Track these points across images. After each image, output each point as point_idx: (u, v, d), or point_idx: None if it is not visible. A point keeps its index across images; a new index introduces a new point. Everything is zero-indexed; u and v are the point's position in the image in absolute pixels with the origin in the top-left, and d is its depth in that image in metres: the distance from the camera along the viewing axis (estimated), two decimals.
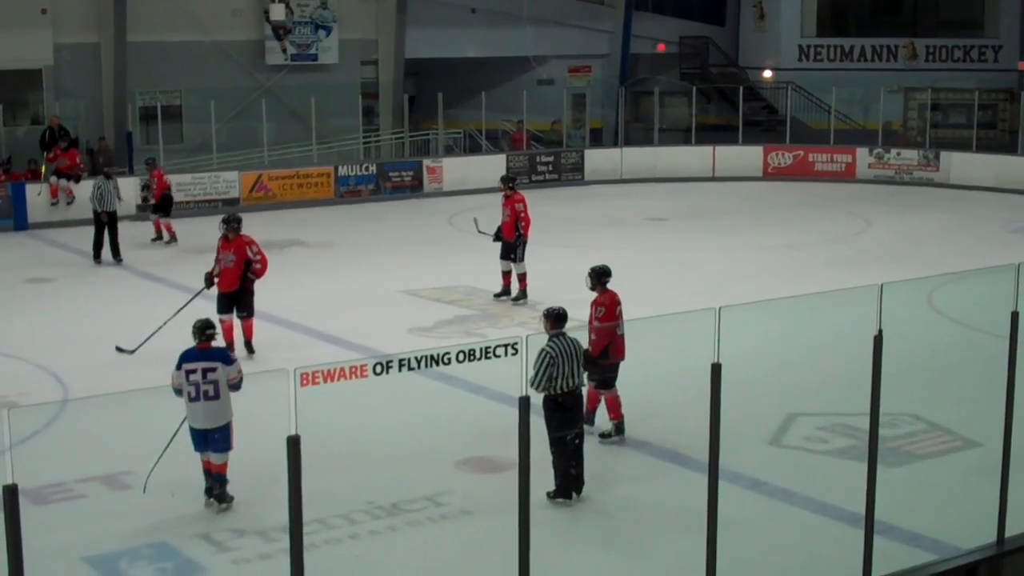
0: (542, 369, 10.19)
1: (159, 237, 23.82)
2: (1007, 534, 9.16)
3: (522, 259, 18.27)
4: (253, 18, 31.85)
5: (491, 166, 29.89)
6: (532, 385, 10.12)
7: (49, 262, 22.14)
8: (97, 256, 21.71)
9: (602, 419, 12.12)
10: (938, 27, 40.59)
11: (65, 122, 27.79)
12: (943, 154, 32.16)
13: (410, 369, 6.66)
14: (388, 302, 18.63)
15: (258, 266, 15.19)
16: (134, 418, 11.57)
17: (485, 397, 12.73)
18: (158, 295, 18.86)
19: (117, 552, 9.60)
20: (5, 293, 19.65)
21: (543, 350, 10.23)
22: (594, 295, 12.09)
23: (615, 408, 11.97)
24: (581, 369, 10.55)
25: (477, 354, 6.90)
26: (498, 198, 18.87)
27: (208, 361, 10.21)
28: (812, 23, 40.56)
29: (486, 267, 18.93)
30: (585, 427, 11.01)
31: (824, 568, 9.39)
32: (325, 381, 6.34)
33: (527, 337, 6.99)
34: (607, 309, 11.93)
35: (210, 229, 15.82)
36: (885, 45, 39.96)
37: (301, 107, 30.53)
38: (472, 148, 34.10)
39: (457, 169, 31.02)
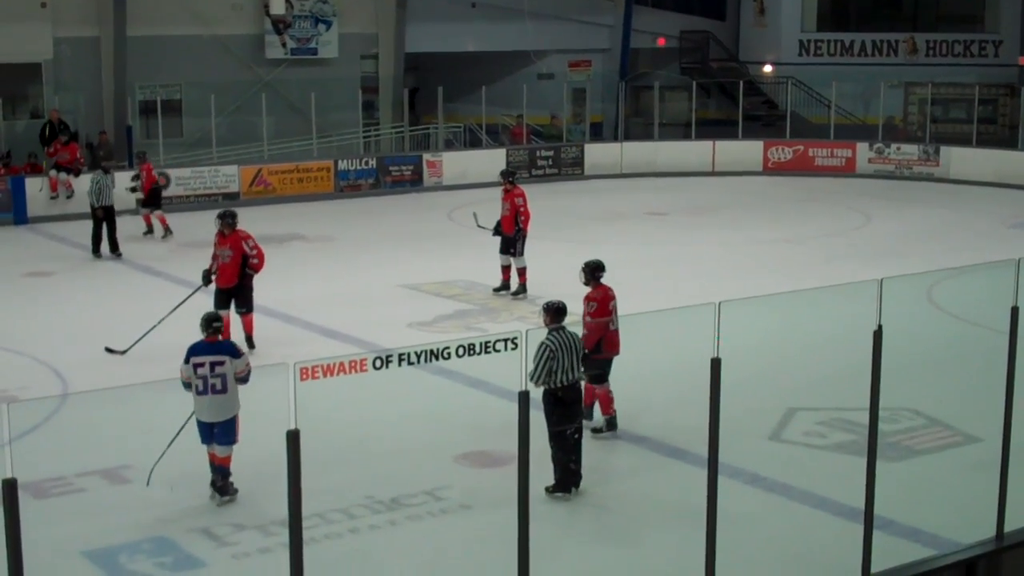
0: (542, 362, 10.19)
1: (150, 231, 23.80)
2: (1006, 529, 9.17)
3: (522, 253, 18.27)
4: (253, 12, 31.82)
5: (491, 160, 29.86)
6: (531, 379, 10.13)
7: (49, 256, 22.14)
8: (96, 250, 21.70)
9: (598, 414, 12.13)
10: (938, 22, 40.56)
11: (65, 116, 27.76)
12: (943, 149, 32.16)
13: (410, 363, 6.65)
14: (388, 296, 18.63)
15: (255, 261, 15.18)
16: (134, 412, 11.57)
17: (485, 392, 12.74)
18: (158, 289, 18.86)
19: (117, 546, 9.60)
20: (5, 287, 19.64)
21: (543, 343, 10.23)
22: (587, 290, 12.09)
23: (607, 404, 11.98)
24: (580, 363, 10.56)
25: (477, 349, 6.90)
26: (498, 192, 18.85)
27: (216, 355, 10.23)
28: (812, 18, 40.51)
29: (486, 262, 18.93)
30: (584, 422, 11.03)
31: (823, 563, 9.39)
32: (324, 375, 6.34)
33: (527, 332, 6.99)
34: (599, 304, 11.91)
35: (210, 223, 15.79)
36: (885, 40, 39.92)
37: (301, 101, 30.51)
38: (472, 142, 34.09)
39: (457, 163, 31.01)
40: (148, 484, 10.38)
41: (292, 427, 6.33)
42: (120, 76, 29.41)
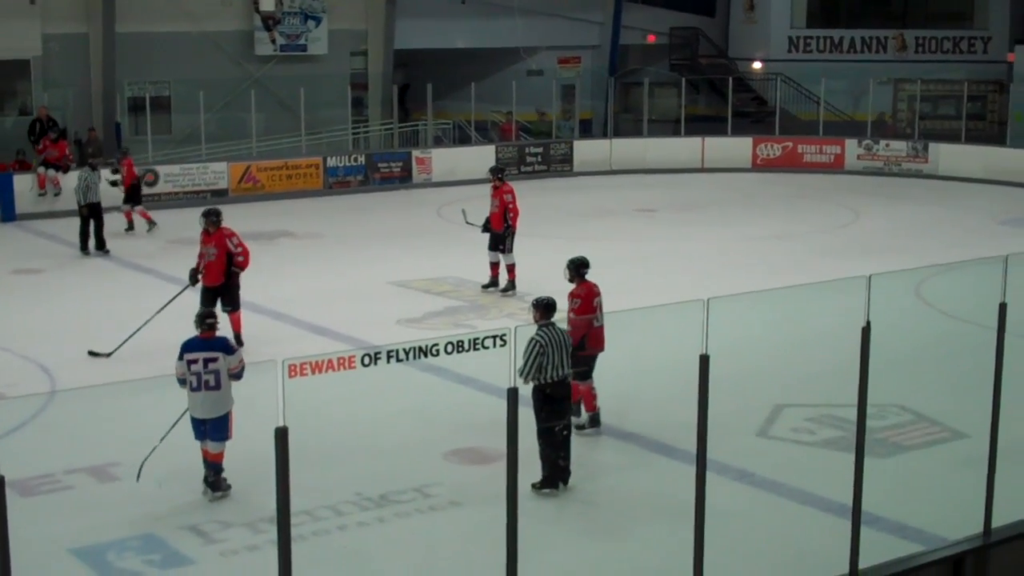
0: (532, 358, 10.19)
1: (131, 227, 23.74)
2: (994, 525, 9.19)
3: (511, 250, 18.27)
4: (242, 8, 31.77)
5: (480, 157, 29.83)
6: (521, 374, 10.13)
7: (37, 253, 22.08)
8: (84, 247, 21.65)
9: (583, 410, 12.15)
10: (928, 19, 40.64)
11: (53, 113, 27.70)
12: (932, 145, 32.21)
13: (399, 360, 6.65)
14: (377, 293, 18.62)
15: (240, 258, 15.09)
16: (121, 410, 11.55)
17: (474, 388, 12.73)
18: (147, 286, 18.83)
19: (105, 544, 9.58)
20: None
21: (532, 339, 10.23)
22: (572, 287, 12.09)
23: (589, 400, 11.97)
24: (570, 359, 10.56)
25: (466, 345, 6.90)
26: (487, 189, 18.86)
27: (209, 351, 10.25)
28: (802, 14, 40.55)
29: (475, 258, 18.93)
30: (573, 419, 11.04)
31: (811, 559, 9.40)
32: (313, 372, 6.34)
33: (516, 328, 6.99)
34: (583, 300, 11.92)
35: (198, 220, 15.73)
36: (875, 36, 39.99)
37: (290, 98, 30.46)
38: (461, 139, 34.08)
39: (446, 160, 30.99)
40: (138, 480, 10.36)
41: (280, 424, 6.32)
42: (109, 73, 29.35)
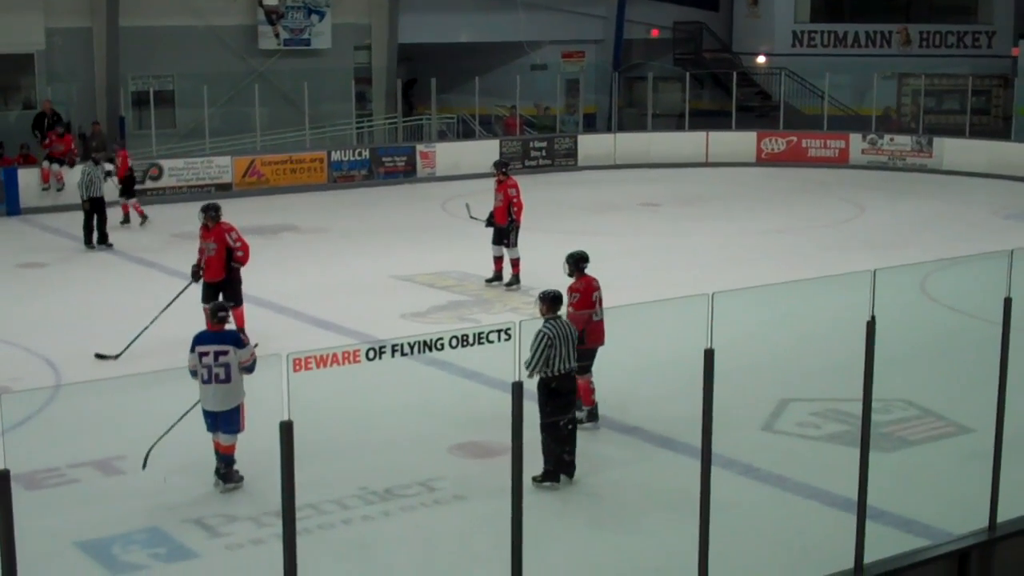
0: (540, 351, 10.19)
1: (127, 220, 23.75)
2: (999, 519, 9.18)
3: (515, 244, 18.26)
4: (246, 3, 31.73)
5: (484, 151, 29.84)
6: (528, 367, 10.13)
7: (42, 247, 22.09)
8: (88, 241, 21.66)
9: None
10: (932, 13, 40.54)
11: (57, 107, 27.70)
12: (936, 140, 32.15)
13: (403, 355, 6.65)
14: (381, 287, 18.62)
15: (240, 253, 14.93)
16: (126, 403, 11.57)
17: (478, 383, 12.73)
18: (151, 280, 18.85)
19: (110, 537, 9.59)
20: None
21: (540, 331, 10.23)
22: (571, 281, 12.08)
23: (587, 394, 11.94)
24: (576, 353, 10.56)
25: (470, 339, 6.90)
26: (491, 183, 18.84)
27: (220, 344, 10.26)
28: (806, 9, 40.50)
29: (479, 252, 18.92)
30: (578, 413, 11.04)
31: (816, 553, 9.39)
32: (318, 367, 6.33)
33: (520, 322, 6.99)
34: (582, 295, 11.91)
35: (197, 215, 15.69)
36: (879, 31, 39.92)
37: (294, 92, 30.46)
38: (465, 133, 34.05)
39: (450, 154, 30.97)
40: (144, 467, 10.37)
41: (285, 418, 6.32)
42: (113, 67, 29.32)
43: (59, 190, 25.44)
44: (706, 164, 32.87)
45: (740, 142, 33.45)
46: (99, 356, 14.47)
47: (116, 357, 14.33)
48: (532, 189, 22.55)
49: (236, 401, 10.28)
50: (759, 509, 10.30)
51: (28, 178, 25.51)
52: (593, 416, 12.02)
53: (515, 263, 18.29)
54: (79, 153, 26.42)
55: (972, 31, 39.87)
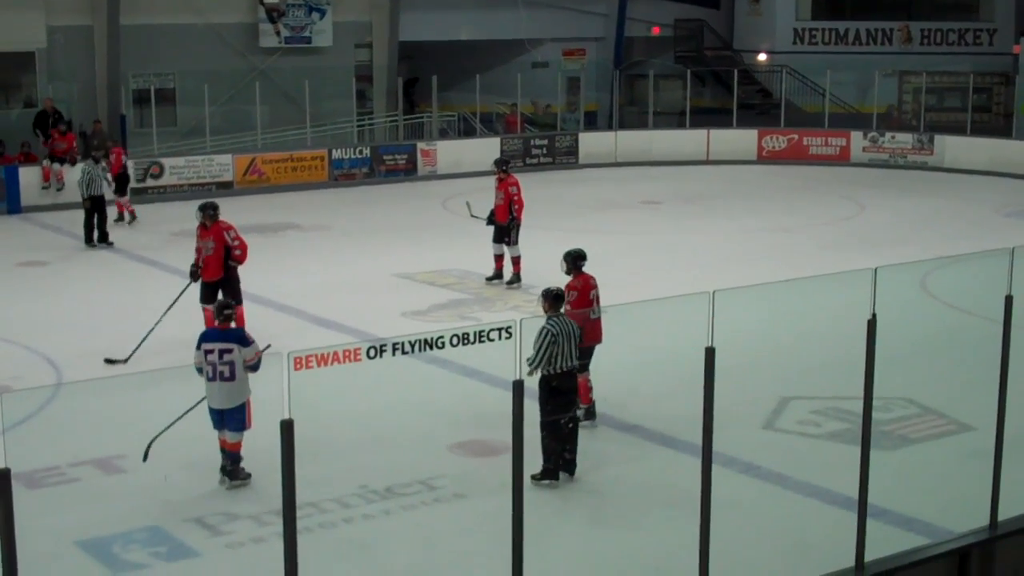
0: (543, 347, 10.18)
1: (120, 218, 23.75)
2: (1000, 518, 9.17)
3: (516, 242, 18.25)
4: (247, 0, 31.74)
5: (485, 149, 29.81)
6: (530, 363, 10.13)
7: (42, 246, 22.09)
8: (89, 240, 21.67)
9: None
10: (933, 10, 40.53)
11: (58, 105, 27.68)
12: (937, 138, 32.12)
13: (404, 353, 6.65)
14: (382, 285, 18.61)
15: (238, 252, 14.86)
16: (127, 402, 11.57)
17: (479, 381, 12.73)
18: (152, 279, 18.86)
19: (110, 536, 9.59)
20: None
21: (544, 328, 10.22)
22: (568, 279, 12.07)
23: (585, 393, 11.93)
24: (578, 350, 10.55)
25: (471, 338, 6.89)
26: (492, 181, 18.84)
27: (224, 342, 10.29)
28: (807, 6, 40.48)
29: (480, 251, 18.92)
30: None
31: (817, 551, 9.39)
32: (318, 365, 6.33)
33: (521, 321, 6.98)
34: (579, 293, 11.90)
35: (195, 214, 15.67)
36: (880, 28, 39.90)
37: (295, 90, 30.44)
38: (466, 131, 34.03)
39: (451, 152, 30.97)
40: (144, 460, 10.37)
41: (286, 417, 6.32)
42: (114, 65, 29.31)
43: (59, 189, 25.44)
44: (707, 162, 32.86)
45: (741, 140, 33.44)
46: (108, 361, 14.23)
47: (125, 361, 14.13)
48: (533, 187, 22.54)
49: (241, 399, 10.29)
50: (760, 507, 10.30)
51: (29, 176, 25.52)
52: (590, 414, 12.01)
53: (516, 261, 18.28)
54: (80, 151, 26.42)
55: (973, 28, 39.85)
